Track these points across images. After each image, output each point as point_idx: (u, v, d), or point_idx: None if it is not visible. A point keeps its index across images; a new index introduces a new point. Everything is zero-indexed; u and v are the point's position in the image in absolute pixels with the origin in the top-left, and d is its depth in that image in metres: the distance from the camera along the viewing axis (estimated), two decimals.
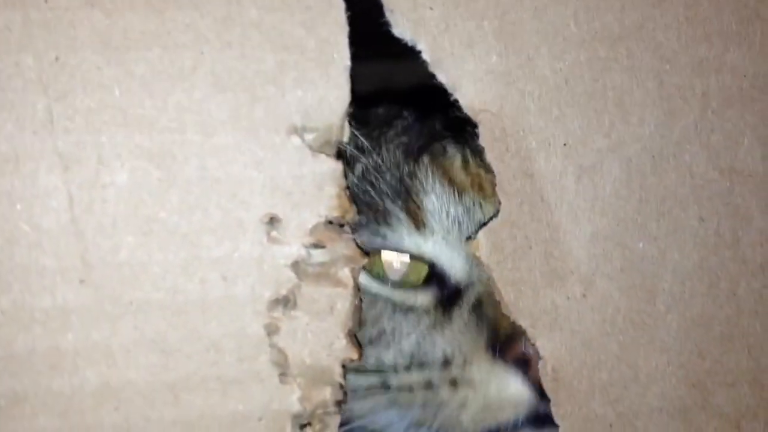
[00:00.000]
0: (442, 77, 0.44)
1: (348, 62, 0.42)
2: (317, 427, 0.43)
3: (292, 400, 0.42)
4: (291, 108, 0.42)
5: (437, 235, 0.55)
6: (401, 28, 0.43)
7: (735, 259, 0.47)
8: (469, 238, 0.54)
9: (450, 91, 0.44)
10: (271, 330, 0.42)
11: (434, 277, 0.55)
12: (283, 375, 0.42)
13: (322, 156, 0.43)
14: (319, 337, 0.43)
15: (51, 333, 0.40)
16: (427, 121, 0.64)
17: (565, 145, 0.46)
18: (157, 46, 0.40)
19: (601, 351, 0.46)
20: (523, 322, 0.44)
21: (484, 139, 0.45)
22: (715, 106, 0.47)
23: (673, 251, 0.46)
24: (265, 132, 0.42)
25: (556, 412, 0.45)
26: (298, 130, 0.42)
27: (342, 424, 0.43)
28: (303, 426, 0.43)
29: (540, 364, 0.45)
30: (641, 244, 0.46)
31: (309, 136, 0.42)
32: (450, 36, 0.43)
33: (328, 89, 0.42)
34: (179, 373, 0.41)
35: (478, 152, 0.56)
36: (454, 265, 0.55)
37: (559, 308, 0.45)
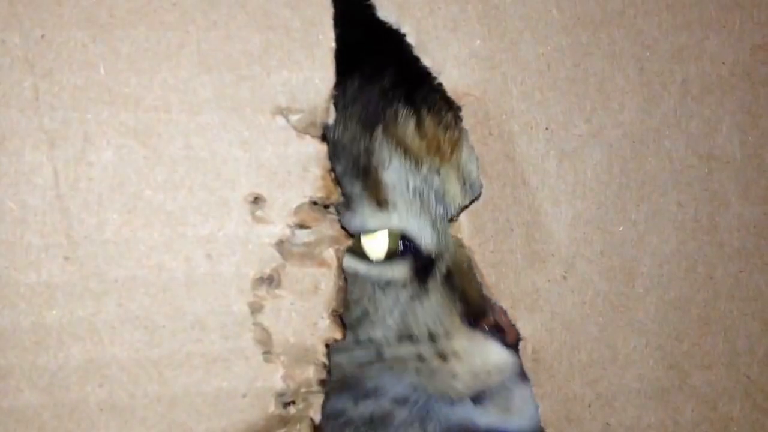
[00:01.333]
0: (426, 60, 0.44)
1: (333, 44, 0.42)
2: (301, 405, 0.44)
3: (275, 378, 0.43)
4: (276, 88, 0.43)
5: (401, 209, 0.55)
6: (386, 11, 0.44)
7: (712, 243, 0.48)
8: (451, 219, 0.55)
9: (434, 74, 0.45)
10: (255, 308, 0.42)
11: (407, 248, 0.56)
12: (267, 353, 0.43)
13: (307, 137, 0.43)
14: (303, 316, 0.43)
15: (36, 309, 0.40)
16: (377, 81, 0.60)
17: (546, 129, 0.46)
18: (143, 25, 0.41)
19: (580, 332, 0.46)
20: (504, 303, 0.45)
21: (468, 123, 0.45)
22: (694, 93, 0.48)
23: (652, 235, 0.47)
24: (250, 112, 0.43)
25: (537, 392, 0.46)
26: (284, 111, 0.43)
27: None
28: (286, 404, 0.43)
29: (520, 345, 0.46)
30: (621, 228, 0.47)
31: (294, 117, 0.43)
32: (434, 19, 0.44)
33: (313, 70, 0.43)
34: (164, 350, 0.41)
35: (434, 108, 0.56)
36: (423, 235, 0.55)
37: (539, 290, 0.46)
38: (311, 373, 0.43)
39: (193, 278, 0.42)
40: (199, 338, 0.42)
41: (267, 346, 0.43)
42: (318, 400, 0.44)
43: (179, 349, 0.41)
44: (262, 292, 0.42)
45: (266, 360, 0.43)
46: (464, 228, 0.45)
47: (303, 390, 0.44)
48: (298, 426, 0.44)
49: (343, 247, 0.44)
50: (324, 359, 0.43)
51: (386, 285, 0.55)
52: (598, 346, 0.47)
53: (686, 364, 0.48)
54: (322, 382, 0.44)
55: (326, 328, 0.43)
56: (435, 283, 0.54)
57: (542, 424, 0.46)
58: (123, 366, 0.41)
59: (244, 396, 0.42)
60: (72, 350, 0.40)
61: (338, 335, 0.43)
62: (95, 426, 0.41)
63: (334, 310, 0.44)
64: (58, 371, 0.40)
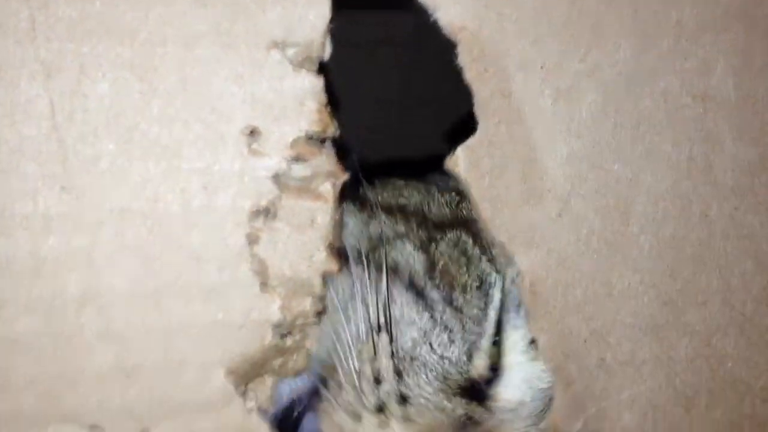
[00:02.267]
0: None
1: None
2: (297, 336, 0.44)
3: (272, 309, 0.43)
4: (272, 23, 0.43)
5: None
6: None
7: (707, 182, 0.48)
8: None
9: (430, 11, 0.45)
10: (252, 240, 0.43)
11: None
12: (264, 285, 0.43)
13: (303, 71, 0.43)
14: (300, 249, 0.44)
15: (32, 238, 0.40)
16: None
17: (541, 67, 0.47)
18: None
19: (576, 269, 0.47)
20: (501, 238, 0.45)
21: (463, 60, 0.45)
22: (689, 34, 0.48)
23: (646, 174, 0.47)
24: (245, 47, 0.43)
25: (533, 326, 0.46)
26: (279, 45, 0.43)
27: None
28: (283, 335, 0.44)
29: (518, 280, 0.46)
30: (616, 166, 0.47)
31: (290, 51, 0.43)
32: None
33: (308, 6, 0.43)
34: (160, 280, 0.41)
35: None
36: None
37: (535, 226, 0.46)
38: (308, 305, 0.43)
39: (189, 210, 0.42)
40: (196, 269, 0.42)
41: (264, 278, 0.43)
42: (314, 331, 0.44)
43: (176, 280, 0.41)
44: (259, 223, 0.43)
45: (263, 291, 0.43)
46: (461, 162, 0.45)
47: (300, 321, 0.44)
48: (294, 357, 0.44)
49: (339, 182, 0.44)
50: (321, 291, 0.44)
51: None
52: (593, 282, 0.47)
53: (680, 300, 0.48)
54: (319, 314, 0.44)
55: (323, 261, 0.44)
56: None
57: (542, 358, 0.46)
58: (120, 295, 0.41)
59: (241, 327, 0.42)
60: (69, 279, 0.40)
61: (334, 268, 0.44)
62: (92, 354, 0.41)
63: (330, 244, 0.44)
64: (55, 300, 0.40)
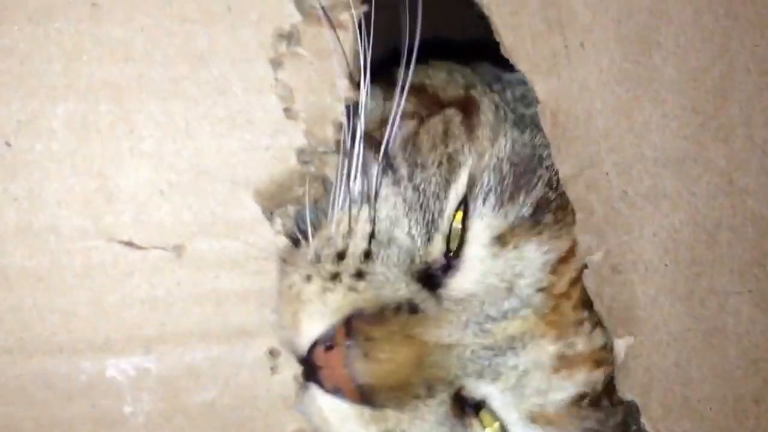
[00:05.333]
0: None
1: None
2: (317, 163, 0.45)
3: (297, 133, 0.44)
4: None
5: None
6: None
7: (728, 15, 0.48)
8: None
9: None
10: (276, 64, 0.43)
11: None
12: (288, 110, 0.44)
13: None
14: (322, 75, 0.44)
15: None
16: None
17: None
18: None
19: (597, 100, 0.47)
20: (522, 67, 0.46)
21: None
22: None
23: (668, 3, 0.47)
24: None
25: (556, 156, 0.47)
26: None
27: None
28: (306, 162, 0.44)
29: (539, 108, 0.46)
30: None
31: None
32: None
33: None
34: (188, 100, 0.42)
35: None
36: None
37: (557, 56, 0.46)
38: (329, 133, 0.44)
39: (214, 34, 0.42)
40: (223, 91, 0.42)
41: (288, 103, 0.43)
42: (333, 160, 0.45)
43: (202, 100, 0.42)
44: (282, 48, 0.43)
45: (288, 116, 0.44)
46: None
47: (321, 149, 0.45)
48: (315, 184, 0.45)
49: (359, 11, 0.44)
50: (342, 119, 0.44)
51: None
52: (614, 114, 0.47)
53: (702, 135, 0.48)
54: (338, 143, 0.44)
55: (345, 89, 0.44)
56: None
57: (564, 187, 0.46)
58: (150, 118, 0.42)
59: (267, 149, 0.43)
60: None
61: (355, 96, 0.44)
62: (126, 172, 0.42)
63: (350, 72, 0.44)
64: (88, 117, 0.41)
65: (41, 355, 0.43)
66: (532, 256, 0.49)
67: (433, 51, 0.57)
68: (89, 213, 0.41)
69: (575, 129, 0.47)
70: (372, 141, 0.51)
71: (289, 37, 0.43)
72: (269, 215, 0.44)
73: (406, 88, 0.50)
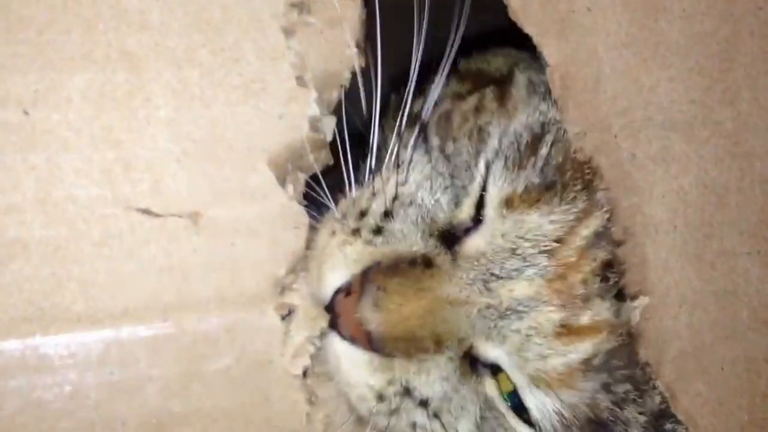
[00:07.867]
0: None
1: None
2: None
3: (309, 101, 0.44)
4: None
5: None
6: None
7: None
8: None
9: None
10: (288, 33, 0.44)
11: None
12: (300, 78, 0.44)
13: None
14: (332, 43, 0.45)
15: None
16: None
17: None
18: None
19: (605, 64, 0.47)
20: (530, 30, 0.46)
21: None
22: None
23: None
24: None
25: (565, 118, 0.47)
26: None
27: None
28: (316, 130, 0.45)
29: (548, 72, 0.47)
30: None
31: None
32: None
33: None
34: (204, 69, 0.43)
35: None
36: None
37: (565, 20, 0.47)
38: (334, 95, 0.45)
39: (228, 3, 0.43)
40: (237, 59, 0.43)
41: (300, 71, 0.44)
42: (331, 123, 0.46)
43: (217, 69, 0.43)
44: (294, 17, 0.44)
45: (300, 84, 0.44)
46: None
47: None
48: (323, 152, 0.46)
49: None
50: (345, 82, 0.45)
51: None
52: (622, 78, 0.48)
53: (709, 99, 0.49)
54: (339, 104, 0.46)
55: (353, 56, 0.45)
56: None
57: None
58: (166, 87, 0.43)
59: (280, 117, 0.44)
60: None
61: (362, 63, 0.45)
62: (143, 139, 0.42)
63: (358, 41, 0.45)
64: (103, 85, 0.42)
65: (60, 324, 0.43)
66: (538, 221, 0.49)
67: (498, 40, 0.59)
68: (106, 182, 0.42)
69: (584, 93, 0.47)
70: (416, 119, 0.55)
71: (301, 5, 0.44)
72: (283, 182, 0.45)
73: (445, 72, 0.53)
